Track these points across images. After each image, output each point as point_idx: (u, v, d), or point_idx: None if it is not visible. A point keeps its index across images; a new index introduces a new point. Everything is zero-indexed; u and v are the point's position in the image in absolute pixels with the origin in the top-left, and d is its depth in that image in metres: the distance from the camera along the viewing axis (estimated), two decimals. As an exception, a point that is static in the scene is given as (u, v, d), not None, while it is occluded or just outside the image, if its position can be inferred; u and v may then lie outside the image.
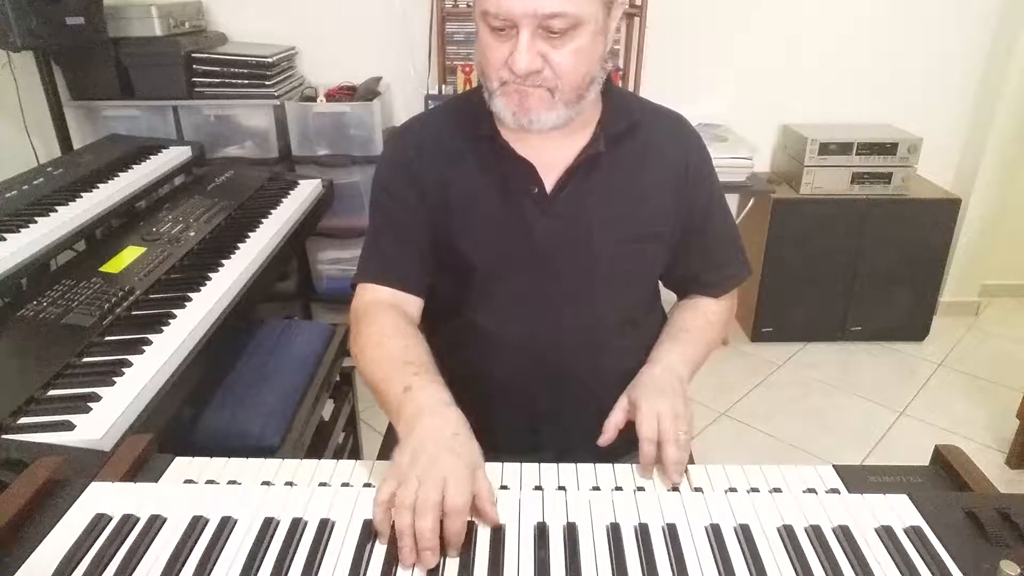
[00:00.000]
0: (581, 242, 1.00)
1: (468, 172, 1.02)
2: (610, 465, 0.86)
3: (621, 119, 1.02)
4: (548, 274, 1.01)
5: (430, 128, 1.07)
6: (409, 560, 0.68)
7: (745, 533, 0.73)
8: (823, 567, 0.69)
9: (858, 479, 0.83)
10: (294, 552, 0.70)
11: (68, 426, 1.00)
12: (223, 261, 1.57)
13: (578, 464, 0.85)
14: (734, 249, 1.14)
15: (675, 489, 0.83)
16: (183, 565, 0.67)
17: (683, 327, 1.09)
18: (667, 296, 1.15)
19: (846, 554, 0.71)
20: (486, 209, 1.01)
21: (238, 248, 1.65)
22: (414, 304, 1.06)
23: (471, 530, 0.72)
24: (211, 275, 1.49)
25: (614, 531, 0.73)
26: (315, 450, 1.57)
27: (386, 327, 0.99)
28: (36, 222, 1.53)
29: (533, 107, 0.91)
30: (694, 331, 1.08)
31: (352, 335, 1.01)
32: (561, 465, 0.85)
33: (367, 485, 0.81)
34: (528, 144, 0.99)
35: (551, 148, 0.98)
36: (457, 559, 0.70)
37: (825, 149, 2.63)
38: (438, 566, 0.68)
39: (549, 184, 1.00)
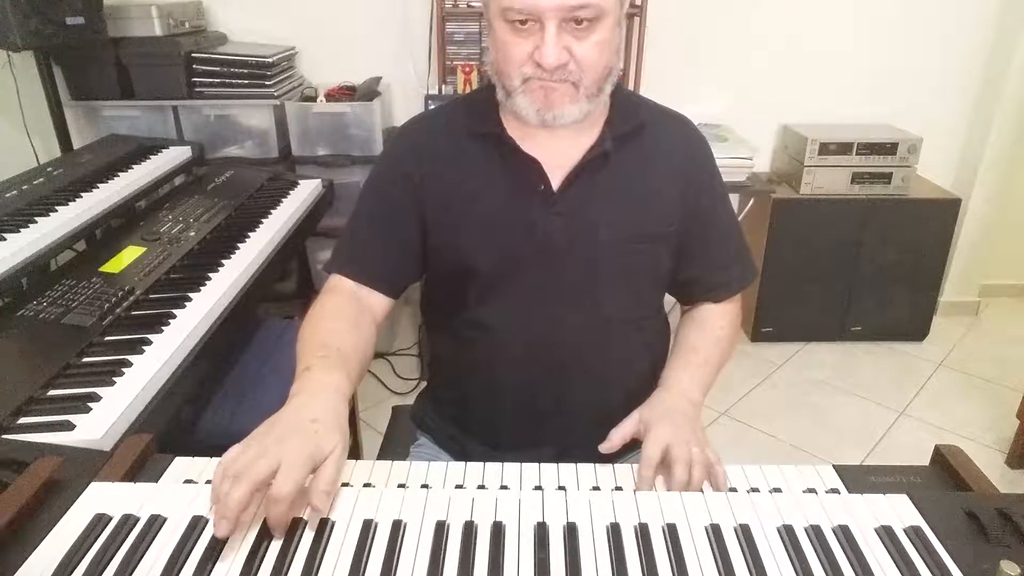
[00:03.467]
0: (586, 240, 1.01)
1: (473, 170, 1.02)
2: (610, 465, 0.86)
3: (628, 119, 1.02)
4: (553, 272, 1.01)
5: (434, 127, 1.07)
6: (221, 533, 0.69)
7: (745, 533, 0.73)
8: (823, 567, 0.69)
9: (858, 479, 0.83)
10: (294, 552, 0.69)
11: (68, 426, 1.00)
12: (223, 261, 1.57)
13: (578, 464, 0.85)
14: (738, 252, 1.13)
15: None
16: (183, 565, 0.67)
17: (693, 347, 1.08)
18: (668, 297, 1.15)
19: (846, 554, 0.71)
20: (491, 206, 1.01)
21: (238, 248, 1.64)
22: (378, 301, 1.06)
23: (473, 530, 0.73)
24: (211, 275, 1.49)
25: (614, 531, 0.73)
26: (315, 450, 1.57)
27: (327, 310, 1.00)
28: (36, 222, 1.53)
29: (558, 102, 0.91)
30: (703, 351, 1.07)
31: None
32: (561, 465, 0.85)
33: (367, 485, 0.81)
34: (535, 142, 0.99)
35: (558, 146, 0.99)
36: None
37: (825, 149, 2.63)
38: (440, 562, 0.68)
39: (556, 182, 1.00)
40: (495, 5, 0.89)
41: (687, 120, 1.10)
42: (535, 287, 1.02)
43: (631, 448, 1.05)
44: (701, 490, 0.83)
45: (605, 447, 0.93)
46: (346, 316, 1.00)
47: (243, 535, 0.71)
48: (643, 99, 1.11)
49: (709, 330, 1.10)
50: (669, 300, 1.16)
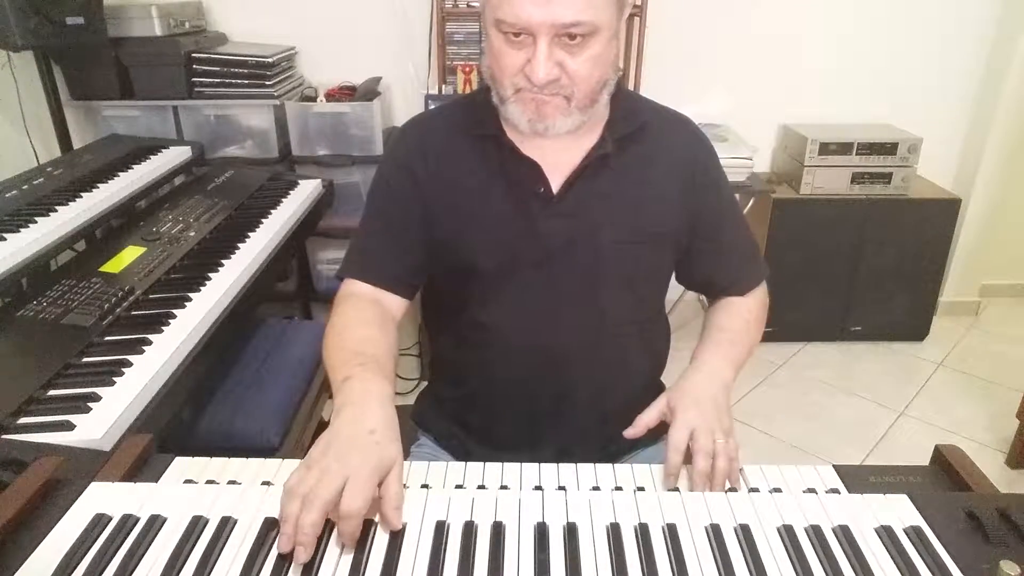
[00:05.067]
0: (586, 242, 1.00)
1: (473, 171, 1.02)
2: (610, 465, 0.86)
3: (629, 121, 1.02)
4: (552, 273, 1.01)
5: (435, 126, 1.07)
6: (284, 548, 0.68)
7: (745, 533, 0.73)
8: (823, 567, 0.69)
9: (858, 479, 0.84)
10: (294, 552, 0.69)
11: (68, 426, 1.00)
12: (223, 261, 1.57)
13: (578, 464, 0.85)
14: (749, 251, 1.14)
15: (675, 489, 0.83)
16: (183, 565, 0.67)
17: (722, 328, 1.08)
18: (669, 295, 1.15)
19: (846, 554, 0.71)
20: (491, 208, 1.01)
21: (238, 248, 1.64)
22: (396, 302, 1.06)
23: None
24: (211, 275, 1.49)
25: (614, 531, 0.73)
26: (315, 450, 1.57)
27: (352, 318, 0.99)
28: (36, 222, 1.53)
29: (549, 115, 0.91)
30: (732, 332, 1.07)
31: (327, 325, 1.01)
32: (561, 465, 0.85)
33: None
34: (534, 144, 0.99)
35: (558, 149, 0.98)
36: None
37: (825, 149, 2.63)
38: (440, 562, 0.68)
39: (555, 184, 1.00)
40: (490, 15, 0.88)
41: (689, 120, 1.10)
42: (535, 288, 1.02)
43: (633, 447, 1.06)
44: (724, 484, 0.83)
45: (630, 432, 0.93)
46: (371, 321, 0.99)
47: (242, 537, 0.71)
48: (645, 100, 1.11)
49: (736, 313, 1.10)
50: (669, 301, 1.16)
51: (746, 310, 1.11)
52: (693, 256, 1.09)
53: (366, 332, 0.96)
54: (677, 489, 0.83)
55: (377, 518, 0.73)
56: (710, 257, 1.10)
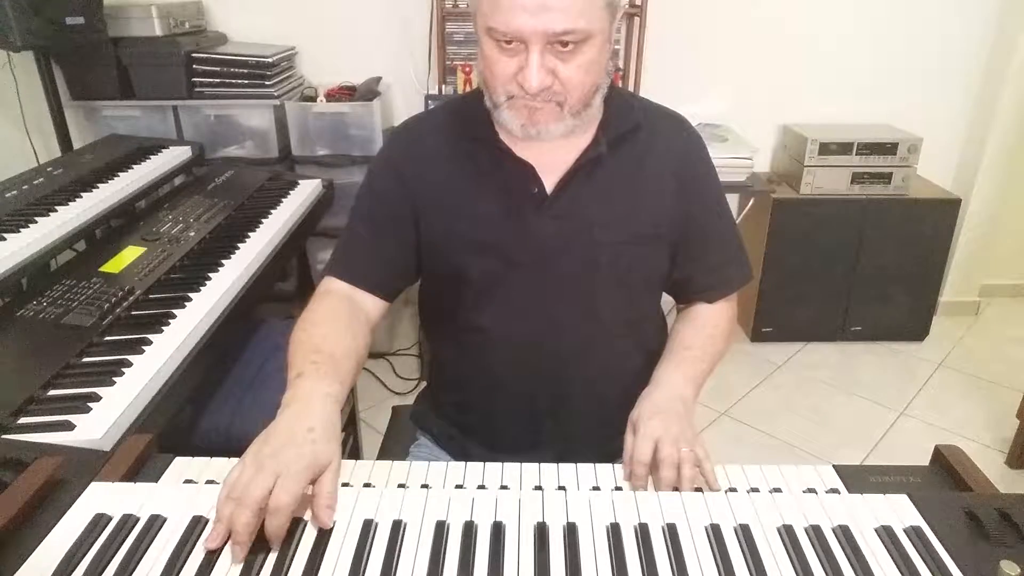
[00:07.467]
0: (581, 243, 1.00)
1: (466, 173, 1.02)
2: (610, 465, 0.86)
3: (622, 121, 1.01)
4: (548, 275, 1.01)
5: (427, 129, 1.07)
6: (213, 544, 0.68)
7: (745, 533, 0.73)
8: (823, 567, 0.69)
9: (858, 479, 0.84)
10: (294, 552, 0.70)
11: (68, 426, 1.00)
12: (223, 261, 1.57)
13: (578, 464, 0.85)
14: (734, 251, 1.13)
15: (676, 488, 0.83)
16: (183, 565, 0.68)
17: (686, 344, 1.07)
18: (666, 298, 1.15)
19: (846, 554, 0.71)
20: (485, 209, 1.01)
21: (238, 248, 1.64)
22: (372, 303, 1.06)
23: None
24: (211, 275, 1.49)
25: (614, 531, 0.73)
26: (315, 450, 1.57)
27: (319, 315, 0.99)
28: (36, 222, 1.53)
29: (542, 120, 0.91)
30: (696, 347, 1.06)
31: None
32: (561, 465, 0.85)
33: (367, 485, 0.81)
34: (528, 146, 0.98)
35: (551, 150, 0.98)
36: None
37: (825, 149, 2.63)
38: (440, 562, 0.68)
39: (549, 185, 1.00)
40: (481, 22, 0.88)
41: (683, 119, 1.09)
42: (531, 289, 1.02)
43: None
44: (698, 488, 0.83)
45: (638, 483, 0.85)
46: (339, 319, 0.99)
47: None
48: (638, 99, 1.10)
49: (703, 327, 1.10)
50: (668, 302, 1.16)
51: (712, 323, 1.10)
52: (679, 255, 1.08)
53: (329, 330, 0.96)
54: (678, 488, 0.83)
55: (309, 516, 0.73)
56: (695, 256, 1.08)
